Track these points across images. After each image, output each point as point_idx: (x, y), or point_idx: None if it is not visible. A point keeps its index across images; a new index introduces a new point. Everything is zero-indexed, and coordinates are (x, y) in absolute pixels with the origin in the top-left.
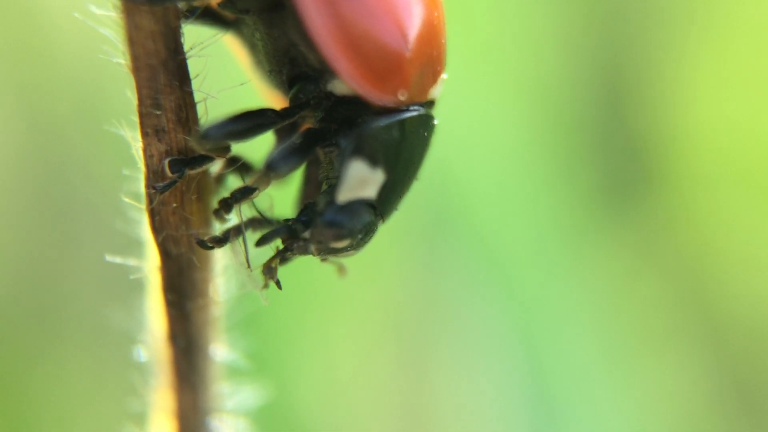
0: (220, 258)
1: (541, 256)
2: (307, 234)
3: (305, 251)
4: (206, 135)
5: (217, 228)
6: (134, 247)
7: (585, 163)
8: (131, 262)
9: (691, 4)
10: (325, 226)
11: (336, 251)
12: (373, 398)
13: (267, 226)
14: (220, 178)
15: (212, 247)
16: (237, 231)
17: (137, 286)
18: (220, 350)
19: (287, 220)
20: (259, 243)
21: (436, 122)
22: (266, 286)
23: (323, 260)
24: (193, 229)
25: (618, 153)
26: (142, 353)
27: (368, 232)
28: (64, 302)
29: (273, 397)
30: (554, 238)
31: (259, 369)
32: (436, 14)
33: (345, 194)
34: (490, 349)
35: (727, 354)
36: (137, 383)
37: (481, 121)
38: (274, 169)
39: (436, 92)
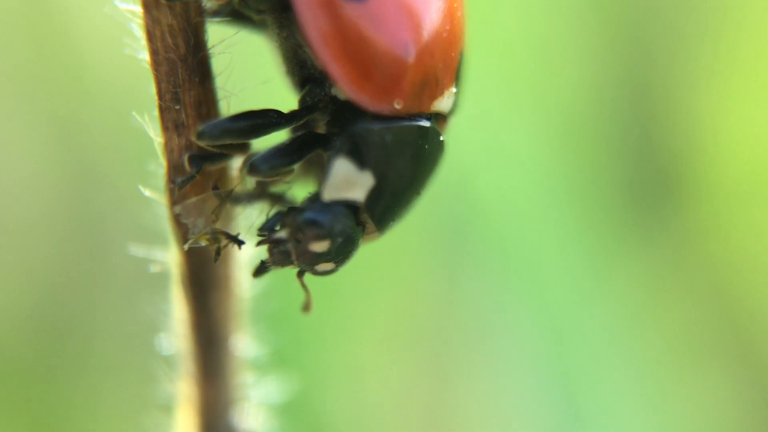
0: (243, 252)
1: (565, 264)
2: (285, 233)
3: (285, 256)
4: (202, 132)
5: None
6: (160, 241)
7: (609, 172)
8: (155, 255)
9: (719, 15)
10: (305, 223)
11: (315, 256)
12: (394, 402)
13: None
14: (241, 174)
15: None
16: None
17: (161, 280)
18: (243, 344)
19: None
20: (236, 201)
21: (442, 137)
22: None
23: (300, 274)
24: (214, 223)
25: (643, 163)
26: (165, 345)
27: (349, 239)
28: (92, 296)
29: (295, 394)
30: (577, 246)
31: (282, 365)
32: (448, 27)
33: (330, 192)
34: (513, 356)
35: (756, 366)
36: (161, 375)
37: (503, 128)
38: (253, 168)
39: (443, 105)
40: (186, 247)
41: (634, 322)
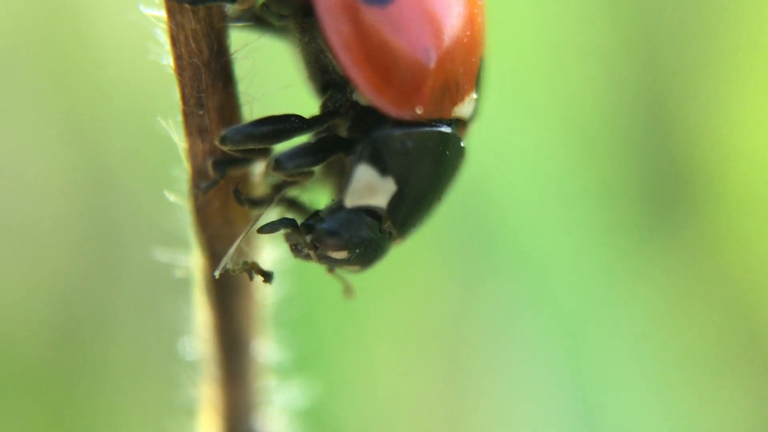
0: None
1: (581, 271)
2: (307, 239)
3: (306, 256)
4: (225, 137)
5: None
6: (181, 246)
7: (626, 179)
8: (178, 260)
9: (736, 23)
10: (323, 233)
11: (336, 262)
12: (412, 406)
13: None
14: (263, 180)
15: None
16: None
17: (183, 284)
18: (265, 348)
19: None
20: (261, 231)
21: (463, 143)
22: (251, 275)
23: (329, 271)
24: (237, 228)
25: (661, 170)
26: (187, 349)
27: (370, 248)
28: (110, 300)
29: (315, 399)
30: (594, 253)
31: (303, 370)
32: (468, 32)
33: (352, 198)
34: (529, 362)
35: None
36: (182, 378)
37: (519, 134)
38: (278, 164)
39: (464, 111)
40: (216, 274)
41: (651, 330)
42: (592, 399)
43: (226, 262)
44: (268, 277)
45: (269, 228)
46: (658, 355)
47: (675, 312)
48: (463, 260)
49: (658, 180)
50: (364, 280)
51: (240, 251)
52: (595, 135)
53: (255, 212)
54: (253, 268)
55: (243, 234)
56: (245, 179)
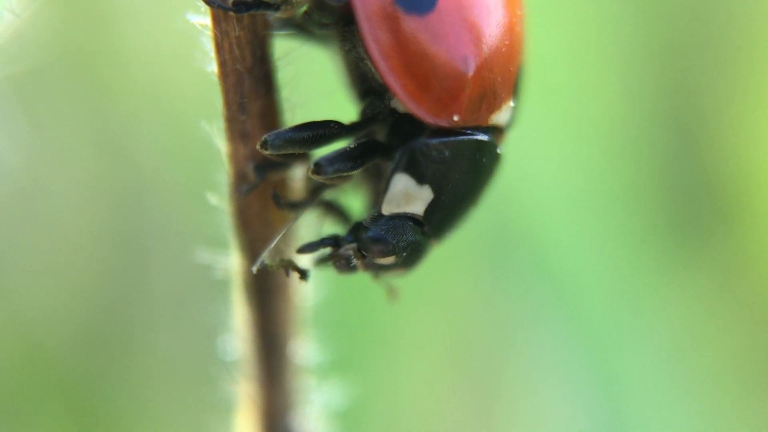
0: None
1: (610, 282)
2: (354, 247)
3: (349, 267)
4: (266, 142)
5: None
6: (220, 247)
7: (655, 190)
8: (217, 262)
9: (765, 32)
10: (370, 241)
11: (382, 268)
12: (441, 414)
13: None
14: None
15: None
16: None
17: (222, 286)
18: (303, 349)
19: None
20: (300, 251)
21: (499, 150)
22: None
23: (375, 278)
24: (276, 231)
25: (688, 185)
26: (226, 349)
27: (415, 250)
28: (151, 302)
29: (353, 399)
30: (622, 265)
31: (341, 371)
32: (507, 42)
33: (389, 207)
34: (558, 374)
35: None
36: (222, 378)
37: (547, 146)
38: (318, 168)
39: (501, 119)
40: (254, 270)
41: (679, 342)
42: (619, 411)
43: (264, 258)
44: (303, 274)
45: (310, 248)
46: (686, 367)
47: (703, 323)
48: (491, 271)
49: (687, 190)
50: (402, 286)
51: (278, 249)
52: (623, 145)
53: (293, 214)
54: (290, 266)
55: (281, 233)
56: (284, 183)
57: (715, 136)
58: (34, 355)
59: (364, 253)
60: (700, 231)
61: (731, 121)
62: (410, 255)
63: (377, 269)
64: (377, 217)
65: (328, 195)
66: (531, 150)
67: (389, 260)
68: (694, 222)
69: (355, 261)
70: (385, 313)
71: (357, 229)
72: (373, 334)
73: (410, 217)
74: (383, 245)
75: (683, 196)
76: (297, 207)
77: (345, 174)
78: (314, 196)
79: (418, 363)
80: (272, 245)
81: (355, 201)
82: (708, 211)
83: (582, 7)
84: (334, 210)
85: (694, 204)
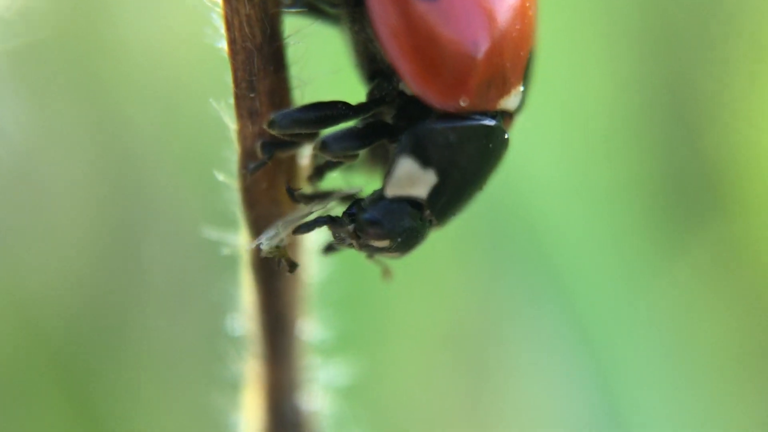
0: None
1: (607, 270)
2: (349, 228)
3: (347, 245)
4: (274, 121)
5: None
6: (228, 225)
7: (652, 179)
8: (225, 239)
9: (766, 20)
10: (365, 223)
11: (377, 249)
12: (436, 399)
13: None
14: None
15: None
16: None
17: (228, 264)
18: (309, 327)
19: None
20: (298, 231)
21: (507, 135)
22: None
23: (369, 257)
24: (283, 210)
25: (685, 172)
26: (232, 327)
27: (411, 235)
28: (156, 280)
29: (358, 378)
30: (620, 253)
31: (347, 349)
32: (518, 26)
33: (392, 189)
34: (555, 363)
35: None
36: (228, 355)
37: (545, 135)
38: (324, 146)
39: (509, 104)
40: (249, 249)
41: (677, 330)
42: (616, 399)
43: (261, 240)
44: (292, 267)
45: (305, 228)
46: (683, 355)
47: (700, 311)
48: (488, 256)
49: (685, 179)
50: (398, 271)
51: (277, 234)
52: (620, 133)
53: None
54: (283, 256)
55: (282, 220)
56: (292, 162)
57: (712, 125)
58: (35, 338)
59: (359, 234)
60: (698, 219)
61: (729, 110)
62: (405, 240)
63: (372, 250)
64: (378, 198)
65: (345, 195)
66: (528, 136)
67: (383, 243)
68: (692, 210)
69: (350, 240)
70: (383, 296)
71: (355, 209)
72: (373, 316)
73: (412, 202)
74: (378, 228)
75: (680, 184)
76: (312, 201)
77: (351, 153)
78: (322, 175)
79: (415, 346)
80: (272, 230)
81: (362, 180)
82: (705, 199)
83: None
84: (338, 191)
85: (692, 193)
